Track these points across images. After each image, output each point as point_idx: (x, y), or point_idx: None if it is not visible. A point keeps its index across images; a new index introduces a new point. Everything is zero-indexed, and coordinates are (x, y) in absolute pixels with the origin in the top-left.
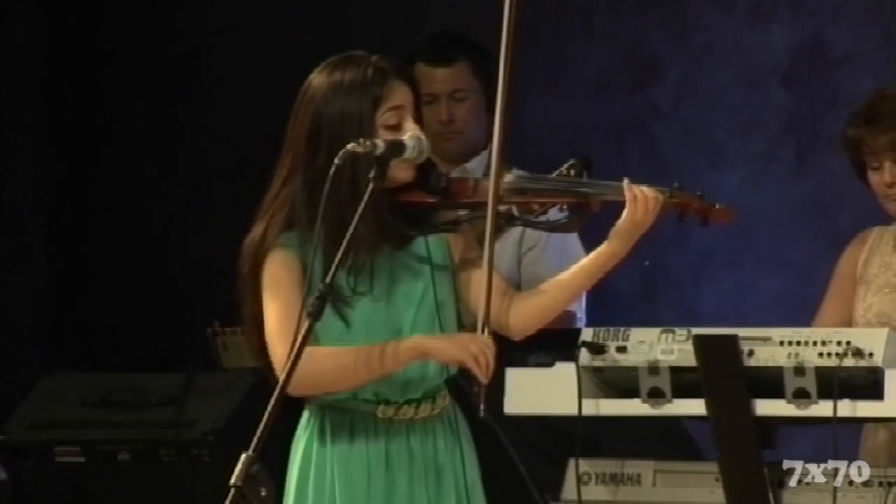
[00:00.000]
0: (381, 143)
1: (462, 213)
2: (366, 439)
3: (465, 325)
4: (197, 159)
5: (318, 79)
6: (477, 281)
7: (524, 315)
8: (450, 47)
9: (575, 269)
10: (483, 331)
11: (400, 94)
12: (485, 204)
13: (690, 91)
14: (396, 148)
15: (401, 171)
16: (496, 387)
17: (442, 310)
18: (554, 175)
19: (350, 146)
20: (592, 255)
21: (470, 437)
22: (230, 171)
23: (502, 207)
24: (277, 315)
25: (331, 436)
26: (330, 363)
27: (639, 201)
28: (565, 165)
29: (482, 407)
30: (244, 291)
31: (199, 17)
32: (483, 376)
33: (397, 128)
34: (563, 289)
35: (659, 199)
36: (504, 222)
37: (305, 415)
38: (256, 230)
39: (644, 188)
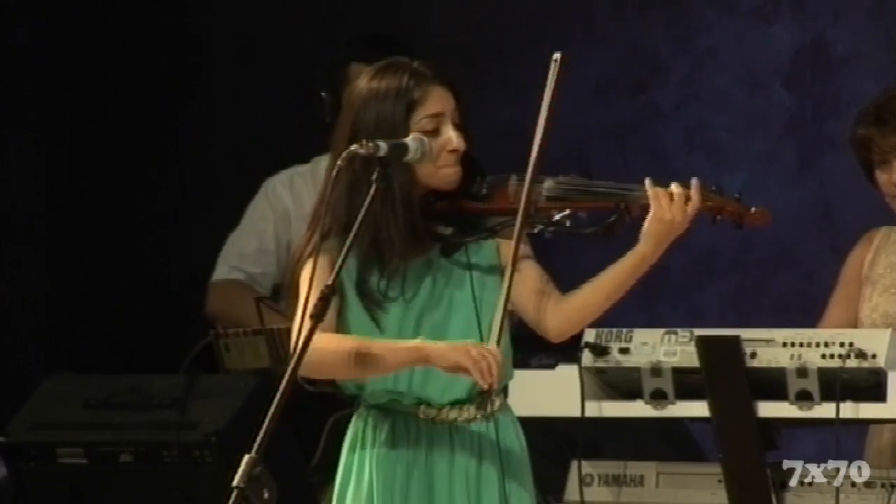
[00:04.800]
0: (383, 145)
1: (500, 219)
2: (407, 441)
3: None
4: (198, 160)
5: (360, 85)
6: (521, 283)
7: (559, 317)
8: (384, 46)
9: (608, 272)
10: (498, 342)
11: (438, 100)
12: (528, 208)
13: (693, 92)
14: (399, 149)
15: (442, 179)
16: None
17: (482, 315)
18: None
19: (353, 147)
20: (625, 257)
21: (520, 447)
22: (232, 172)
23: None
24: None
25: (372, 437)
26: (331, 348)
27: (662, 200)
28: (562, 178)
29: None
30: (290, 298)
31: (200, 18)
32: (484, 381)
33: (434, 134)
34: (596, 291)
35: (683, 197)
36: (548, 231)
37: (354, 417)
38: (303, 239)
39: (674, 186)
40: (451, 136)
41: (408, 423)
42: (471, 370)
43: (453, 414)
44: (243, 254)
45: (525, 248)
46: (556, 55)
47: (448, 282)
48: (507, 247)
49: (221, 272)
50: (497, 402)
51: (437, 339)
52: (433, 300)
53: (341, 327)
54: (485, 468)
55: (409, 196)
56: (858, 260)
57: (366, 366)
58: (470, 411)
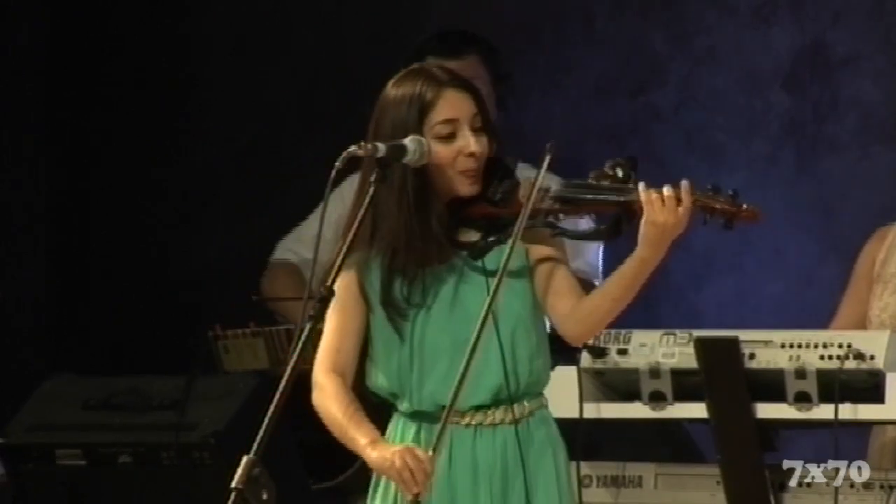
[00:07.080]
0: (381, 146)
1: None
2: (430, 446)
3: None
4: (198, 162)
5: (385, 91)
6: (540, 285)
7: (572, 321)
8: (459, 41)
9: (613, 277)
10: (435, 449)
11: (452, 104)
12: (535, 212)
13: (691, 94)
14: (397, 150)
15: (461, 184)
16: None
17: (500, 321)
18: (594, 175)
19: (351, 148)
20: (626, 262)
21: (551, 452)
22: (231, 174)
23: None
24: (323, 338)
25: (400, 439)
26: (324, 402)
27: (654, 203)
28: (609, 164)
29: None
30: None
31: (199, 19)
32: (408, 491)
33: (450, 139)
34: (604, 296)
35: (674, 199)
36: (550, 232)
37: (392, 419)
38: (336, 249)
39: (666, 189)
40: (469, 141)
41: (432, 428)
42: (397, 483)
43: (477, 418)
44: (301, 238)
45: (550, 251)
46: (549, 145)
47: (470, 288)
48: (536, 250)
49: (277, 253)
50: (527, 407)
51: (458, 345)
52: (454, 307)
53: (368, 339)
54: (510, 473)
55: (424, 202)
56: (870, 257)
57: (341, 436)
58: (495, 415)
